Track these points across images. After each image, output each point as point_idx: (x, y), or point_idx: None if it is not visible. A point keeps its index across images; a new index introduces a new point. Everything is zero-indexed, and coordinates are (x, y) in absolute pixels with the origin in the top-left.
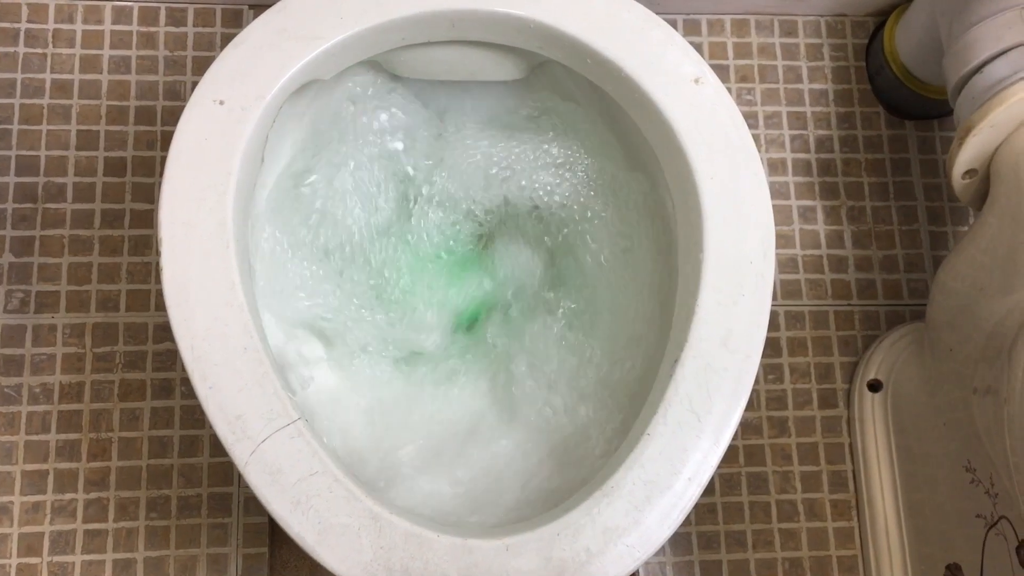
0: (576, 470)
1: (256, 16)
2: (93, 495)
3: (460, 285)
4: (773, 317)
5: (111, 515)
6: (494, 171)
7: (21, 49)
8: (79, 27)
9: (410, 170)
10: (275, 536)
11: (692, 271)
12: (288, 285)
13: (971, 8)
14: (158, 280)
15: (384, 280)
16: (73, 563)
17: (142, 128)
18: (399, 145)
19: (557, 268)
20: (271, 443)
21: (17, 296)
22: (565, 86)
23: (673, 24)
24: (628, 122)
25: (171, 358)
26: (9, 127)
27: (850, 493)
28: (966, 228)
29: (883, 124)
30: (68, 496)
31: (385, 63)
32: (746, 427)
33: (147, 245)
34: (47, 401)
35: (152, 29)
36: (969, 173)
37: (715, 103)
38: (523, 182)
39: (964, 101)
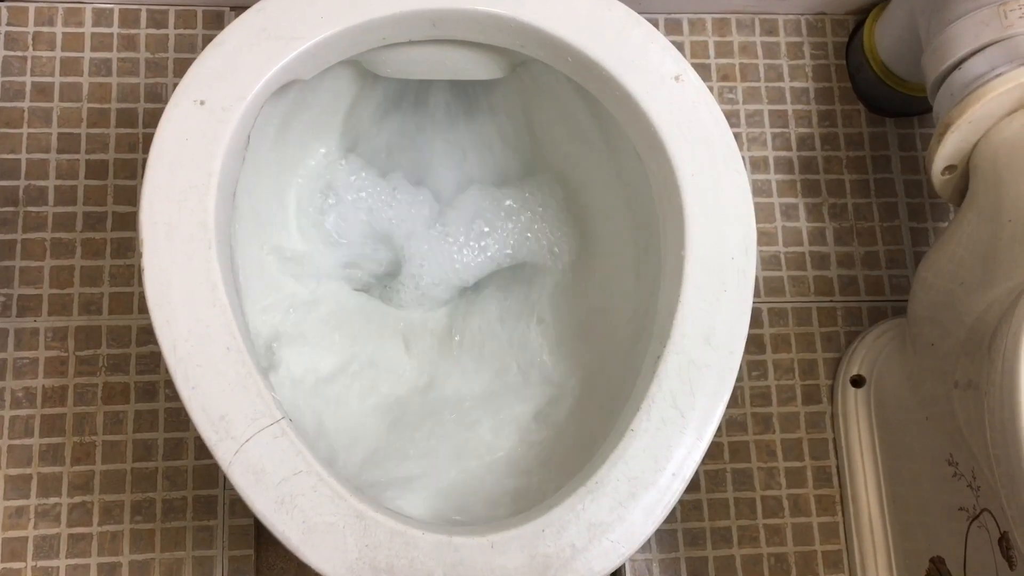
0: None
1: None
2: (77, 499)
3: None
4: (756, 314)
5: (95, 519)
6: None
7: (1, 52)
8: (59, 30)
9: None
10: (261, 538)
11: (674, 267)
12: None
13: (949, 5)
14: (141, 283)
15: None
16: (58, 567)
17: (123, 131)
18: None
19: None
20: (255, 443)
21: None
22: (546, 84)
23: (654, 23)
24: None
25: (155, 361)
26: None
27: (834, 488)
28: (946, 224)
29: (864, 121)
30: (52, 500)
31: (366, 62)
32: (730, 423)
33: (130, 248)
34: (30, 405)
35: (133, 31)
36: (949, 169)
37: (696, 101)
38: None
39: (943, 98)
